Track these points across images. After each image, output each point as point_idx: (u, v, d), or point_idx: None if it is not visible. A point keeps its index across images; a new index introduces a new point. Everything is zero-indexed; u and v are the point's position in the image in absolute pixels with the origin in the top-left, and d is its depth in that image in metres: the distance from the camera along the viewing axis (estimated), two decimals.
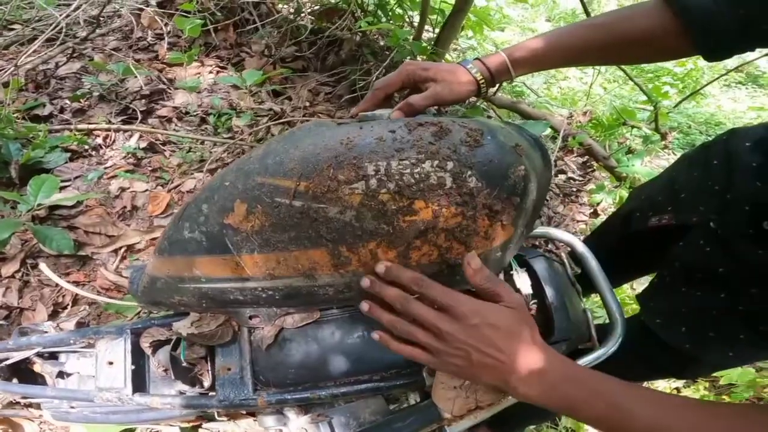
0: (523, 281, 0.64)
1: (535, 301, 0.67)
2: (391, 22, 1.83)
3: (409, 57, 1.72)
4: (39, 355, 0.82)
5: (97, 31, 2.00)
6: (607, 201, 1.64)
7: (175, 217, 0.55)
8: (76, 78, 1.83)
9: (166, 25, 1.91)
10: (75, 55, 1.85)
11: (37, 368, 0.83)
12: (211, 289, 0.54)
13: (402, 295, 0.48)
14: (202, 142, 1.64)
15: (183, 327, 0.65)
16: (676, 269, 0.68)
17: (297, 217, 0.46)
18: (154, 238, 1.36)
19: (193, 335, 0.65)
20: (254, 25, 2.11)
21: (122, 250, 1.32)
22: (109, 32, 2.12)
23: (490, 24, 1.81)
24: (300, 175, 0.46)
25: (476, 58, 0.62)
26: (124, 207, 1.41)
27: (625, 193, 1.60)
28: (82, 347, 0.82)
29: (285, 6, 2.17)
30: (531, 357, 0.45)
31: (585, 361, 0.65)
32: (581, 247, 0.69)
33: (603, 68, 3.10)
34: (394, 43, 1.49)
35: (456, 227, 0.47)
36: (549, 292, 0.67)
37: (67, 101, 1.70)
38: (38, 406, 0.95)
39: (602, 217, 1.70)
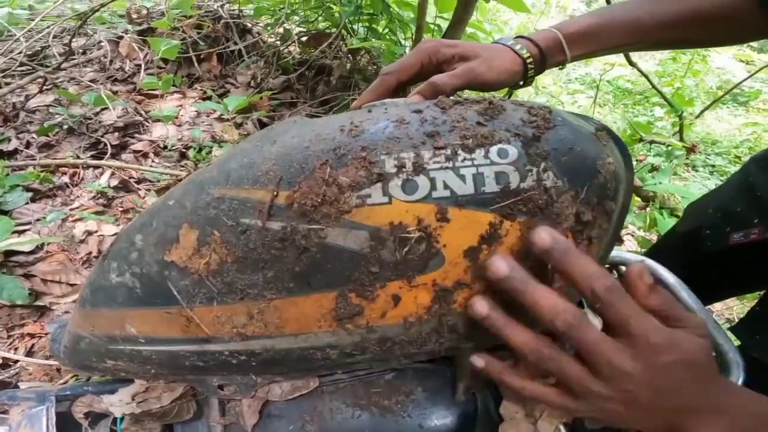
0: (599, 323, 0.48)
1: None
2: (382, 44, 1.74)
3: None
4: None
5: (74, 60, 1.88)
6: (636, 224, 1.50)
7: (102, 255, 0.39)
8: (48, 111, 1.70)
9: (146, 54, 1.81)
10: (48, 86, 1.72)
11: None
12: (156, 352, 0.37)
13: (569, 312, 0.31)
14: (181, 179, 1.50)
15: (118, 403, 0.47)
16: None
17: (275, 246, 0.31)
18: None
19: (136, 414, 0.47)
20: (240, 57, 2.02)
21: None
22: (87, 62, 2.01)
23: (488, 32, 1.74)
24: (279, 180, 0.31)
25: (519, 36, 0.49)
26: (90, 253, 1.24)
27: (657, 215, 1.46)
28: None
29: (271, 36, 2.09)
30: (721, 399, 0.32)
31: None
32: (672, 278, 0.54)
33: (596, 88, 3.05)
34: (388, 60, 1.38)
35: (526, 249, 0.32)
36: None
37: (34, 135, 1.55)
38: None
39: (629, 245, 1.56)
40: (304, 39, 1.96)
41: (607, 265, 0.55)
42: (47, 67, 1.81)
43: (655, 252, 0.79)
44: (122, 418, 0.55)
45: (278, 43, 1.96)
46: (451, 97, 0.38)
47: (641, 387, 0.30)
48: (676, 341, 0.31)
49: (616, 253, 0.55)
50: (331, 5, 1.58)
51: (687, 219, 0.74)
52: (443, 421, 0.48)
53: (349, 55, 1.87)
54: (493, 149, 0.31)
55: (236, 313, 0.32)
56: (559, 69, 0.54)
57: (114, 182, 1.44)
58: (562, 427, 0.46)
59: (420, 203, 0.30)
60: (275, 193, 0.30)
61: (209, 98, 1.94)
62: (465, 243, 0.31)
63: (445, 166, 0.31)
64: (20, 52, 1.52)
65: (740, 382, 0.48)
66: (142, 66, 1.84)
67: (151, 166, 1.55)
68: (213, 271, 0.32)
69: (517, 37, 0.50)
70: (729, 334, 0.54)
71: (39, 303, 1.12)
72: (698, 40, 0.57)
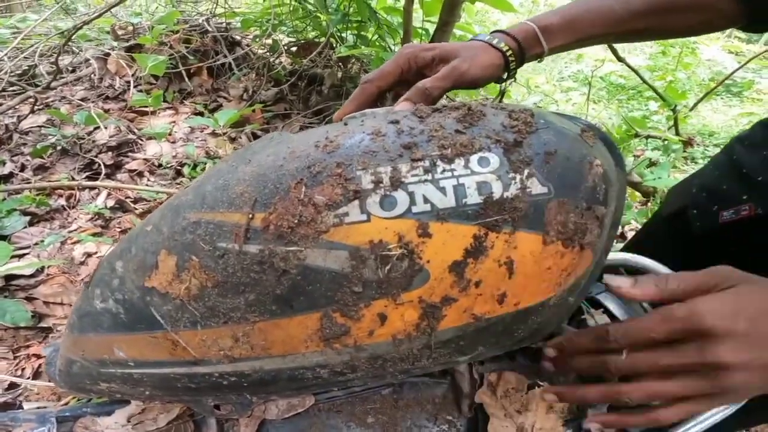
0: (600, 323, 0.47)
1: None
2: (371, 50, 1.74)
3: None
4: None
5: (63, 79, 1.88)
6: (639, 221, 1.49)
7: (85, 282, 0.39)
8: (41, 132, 1.69)
9: (135, 71, 1.81)
10: (38, 106, 1.72)
11: None
12: (147, 375, 0.37)
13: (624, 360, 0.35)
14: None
15: (114, 425, 0.47)
16: None
17: (254, 270, 0.30)
18: None
19: None
20: (231, 70, 2.03)
21: None
22: (77, 81, 2.01)
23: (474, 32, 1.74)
24: (254, 202, 0.30)
25: (495, 31, 0.49)
26: (89, 274, 1.23)
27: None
28: None
29: (261, 48, 2.09)
30: None
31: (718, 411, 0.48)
32: (665, 271, 0.53)
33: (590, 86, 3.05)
34: (377, 66, 1.38)
35: (512, 262, 0.32)
36: None
37: (29, 158, 1.56)
38: None
39: None
40: (293, 49, 1.97)
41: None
42: (36, 86, 1.81)
43: (640, 240, 0.77)
44: None
45: (268, 54, 1.96)
46: (433, 105, 0.38)
47: (752, 357, 0.32)
48: (736, 306, 0.33)
49: (613, 254, 0.54)
50: (318, 15, 1.58)
51: (671, 201, 0.72)
52: None
53: (340, 64, 1.88)
54: (474, 158, 0.30)
55: (221, 337, 0.32)
56: (538, 62, 0.54)
57: (110, 203, 1.44)
58: None
59: (399, 219, 0.29)
60: (251, 216, 0.30)
61: (201, 113, 1.94)
62: (449, 257, 0.30)
63: (423, 179, 0.30)
64: (5, 72, 1.52)
65: None
66: (132, 83, 1.84)
67: (146, 185, 1.55)
68: (194, 296, 0.31)
69: (493, 32, 0.49)
70: None
71: (42, 325, 1.12)
72: (672, 28, 0.56)
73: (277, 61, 1.95)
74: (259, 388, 0.38)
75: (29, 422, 0.61)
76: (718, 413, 0.46)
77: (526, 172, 0.31)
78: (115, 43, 1.98)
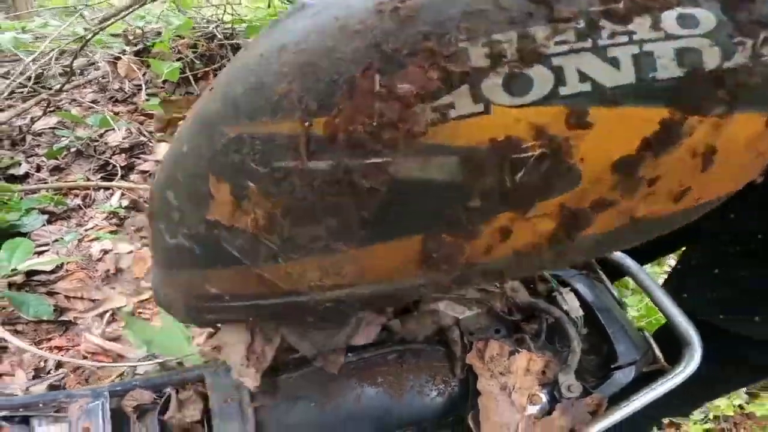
0: (571, 302, 0.54)
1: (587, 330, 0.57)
2: None
3: None
4: (7, 419, 0.69)
5: (74, 82, 1.92)
6: None
7: (146, 213, 0.36)
8: (53, 133, 1.73)
9: (144, 74, 1.85)
10: (51, 108, 1.76)
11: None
12: (246, 307, 0.34)
13: None
14: None
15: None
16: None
17: (329, 192, 0.24)
18: (141, 301, 1.23)
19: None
20: None
21: (107, 314, 1.18)
22: (86, 83, 2.05)
23: None
24: (305, 104, 0.23)
25: None
26: (108, 270, 1.27)
27: None
28: (54, 412, 0.70)
29: None
30: None
31: (663, 385, 0.55)
32: (632, 264, 0.60)
33: None
34: None
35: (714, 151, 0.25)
36: (601, 313, 0.58)
37: (44, 158, 1.59)
38: None
39: None
40: None
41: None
42: (49, 89, 1.85)
43: None
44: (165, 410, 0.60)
45: None
46: None
47: None
48: None
49: None
50: None
51: None
52: (442, 397, 0.54)
53: None
54: (669, 15, 0.22)
55: (308, 269, 0.28)
56: None
57: (124, 202, 1.48)
58: (541, 394, 0.52)
59: (539, 107, 0.22)
60: (307, 123, 0.23)
61: None
62: (615, 152, 0.23)
63: (577, 48, 0.21)
64: (23, 74, 1.56)
65: (697, 347, 0.53)
66: (143, 86, 1.88)
67: None
68: (264, 228, 0.26)
69: None
70: None
71: (63, 318, 1.16)
72: None
73: None
74: (361, 308, 0.38)
75: (84, 398, 0.66)
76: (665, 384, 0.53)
77: (762, 36, 0.22)
78: (126, 48, 2.03)
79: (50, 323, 1.16)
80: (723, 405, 1.43)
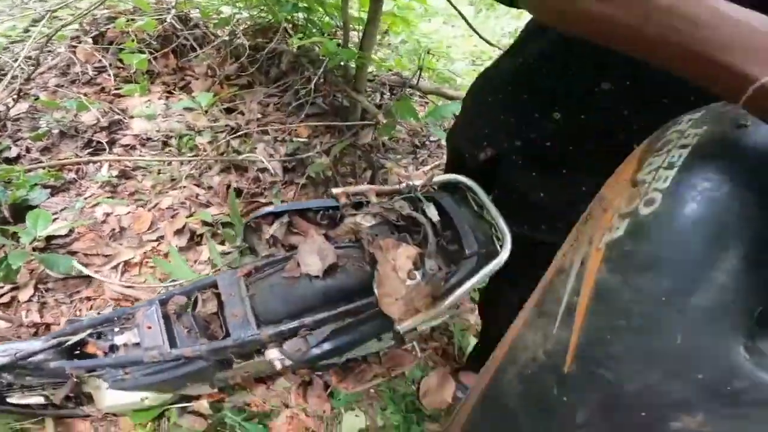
0: (431, 211, 0.90)
1: (448, 231, 0.92)
2: (321, 31, 2.07)
3: (341, 62, 1.97)
4: (90, 336, 1.00)
5: (37, 69, 2.09)
6: None
7: None
8: (30, 118, 1.93)
9: (104, 58, 2.05)
10: (21, 95, 1.95)
11: (90, 348, 1.02)
12: None
13: None
14: (170, 163, 1.82)
15: None
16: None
17: None
18: (146, 252, 1.54)
19: None
20: (193, 50, 2.28)
21: (121, 265, 1.50)
22: (48, 70, 2.21)
23: (410, 23, 2.10)
24: None
25: None
26: (113, 229, 1.57)
27: None
28: (125, 322, 1.02)
29: (221, 31, 2.35)
30: None
31: (491, 264, 0.86)
32: (470, 182, 0.93)
33: None
34: (325, 52, 1.74)
35: None
36: (456, 219, 0.89)
37: (30, 141, 1.81)
38: (91, 398, 1.15)
39: None
40: (251, 32, 2.25)
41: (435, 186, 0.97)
42: (14, 78, 2.01)
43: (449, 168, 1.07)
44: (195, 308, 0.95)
45: (228, 37, 2.23)
46: None
47: None
48: None
49: (440, 177, 0.97)
50: (270, 5, 1.87)
51: (449, 148, 1.05)
52: (360, 275, 0.89)
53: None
54: None
55: None
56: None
57: (114, 172, 1.75)
58: (415, 272, 0.84)
59: None
60: None
61: (171, 92, 2.22)
62: None
63: None
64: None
65: (510, 240, 0.86)
66: (109, 71, 2.07)
67: (140, 155, 1.86)
68: None
69: None
70: None
71: (86, 273, 1.43)
72: None
73: (236, 40, 2.23)
74: None
75: (144, 307, 1.00)
76: (491, 266, 0.87)
77: None
78: (82, 34, 2.19)
79: (75, 279, 1.44)
80: None
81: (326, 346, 0.88)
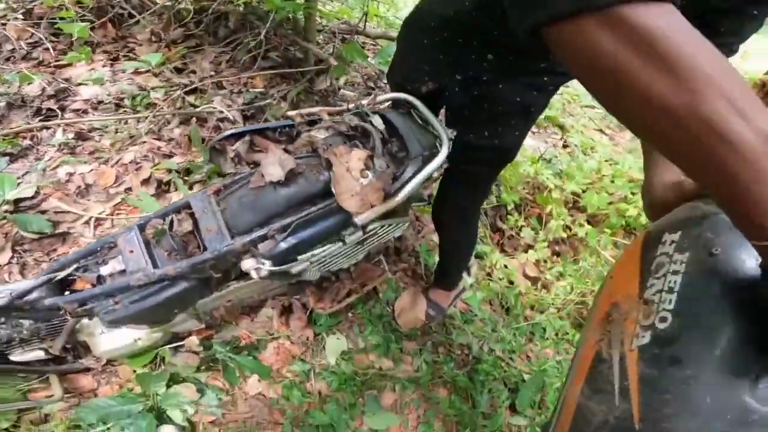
0: (378, 121, 1.02)
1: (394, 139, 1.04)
2: None
3: (289, 15, 2.02)
4: (77, 270, 1.05)
5: None
6: None
7: None
8: None
9: (36, 32, 2.01)
10: None
11: (78, 285, 1.09)
12: None
13: None
14: (126, 122, 1.85)
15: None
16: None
17: None
18: (115, 205, 1.60)
19: None
20: (131, 17, 2.25)
21: (92, 220, 1.55)
22: None
23: None
24: None
25: None
26: (79, 186, 1.60)
27: None
28: (105, 257, 1.08)
29: None
30: None
31: (434, 162, 0.99)
32: (420, 105, 1.05)
33: None
34: (271, 6, 1.79)
35: None
36: (401, 128, 1.01)
37: None
38: (87, 349, 1.22)
39: None
40: None
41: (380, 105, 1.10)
42: None
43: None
44: (171, 228, 1.05)
45: (169, 2, 2.23)
46: None
47: None
48: None
49: (391, 94, 1.10)
50: None
51: (391, 85, 1.16)
52: (318, 180, 1.00)
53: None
54: None
55: None
56: None
57: (70, 135, 1.77)
58: (367, 171, 1.00)
59: None
60: None
61: (115, 59, 2.20)
62: None
63: None
64: None
65: (447, 140, 1.01)
66: (47, 44, 2.04)
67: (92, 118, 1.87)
68: None
69: None
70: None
71: (59, 231, 1.49)
72: None
73: (179, 5, 2.23)
74: None
75: (124, 234, 1.07)
76: (433, 164, 1.02)
77: None
78: (11, 13, 2.14)
79: (50, 237, 1.48)
80: (554, 227, 2.09)
81: (292, 239, 0.98)
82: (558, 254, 2.03)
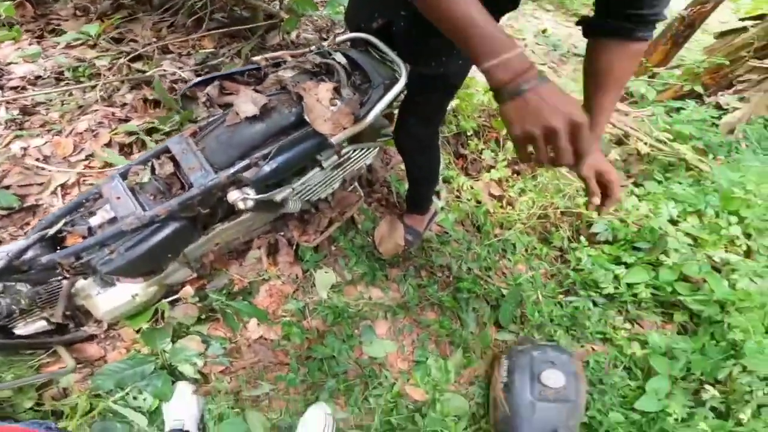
0: (340, 58, 1.12)
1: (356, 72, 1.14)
2: None
3: None
4: (66, 225, 1.04)
5: None
6: None
7: None
8: None
9: None
10: None
11: (70, 240, 1.06)
12: None
13: None
14: (71, 93, 1.82)
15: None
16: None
17: None
18: (79, 172, 1.61)
19: None
20: None
21: (59, 189, 1.55)
22: None
23: None
24: None
25: None
26: (37, 158, 1.59)
27: None
28: (92, 208, 1.08)
29: None
30: None
31: (396, 87, 1.10)
32: (367, 36, 1.14)
33: None
34: None
35: None
36: (362, 62, 1.10)
37: None
38: (88, 313, 1.25)
39: None
40: None
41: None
42: None
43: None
44: (153, 173, 1.13)
45: None
46: None
47: None
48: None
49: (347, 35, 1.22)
50: None
51: (348, 27, 1.24)
52: (290, 114, 1.09)
53: None
54: None
55: None
56: None
57: (15, 112, 1.73)
58: (336, 99, 1.17)
59: None
60: None
61: (41, 36, 2.11)
62: None
63: None
64: None
65: (403, 70, 1.15)
66: None
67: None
68: None
69: None
70: None
71: (26, 204, 1.48)
72: None
73: None
74: None
75: (107, 183, 1.11)
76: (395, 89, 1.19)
77: None
78: None
79: (19, 212, 1.47)
80: (511, 147, 2.25)
81: (274, 163, 1.06)
82: (518, 173, 2.20)
